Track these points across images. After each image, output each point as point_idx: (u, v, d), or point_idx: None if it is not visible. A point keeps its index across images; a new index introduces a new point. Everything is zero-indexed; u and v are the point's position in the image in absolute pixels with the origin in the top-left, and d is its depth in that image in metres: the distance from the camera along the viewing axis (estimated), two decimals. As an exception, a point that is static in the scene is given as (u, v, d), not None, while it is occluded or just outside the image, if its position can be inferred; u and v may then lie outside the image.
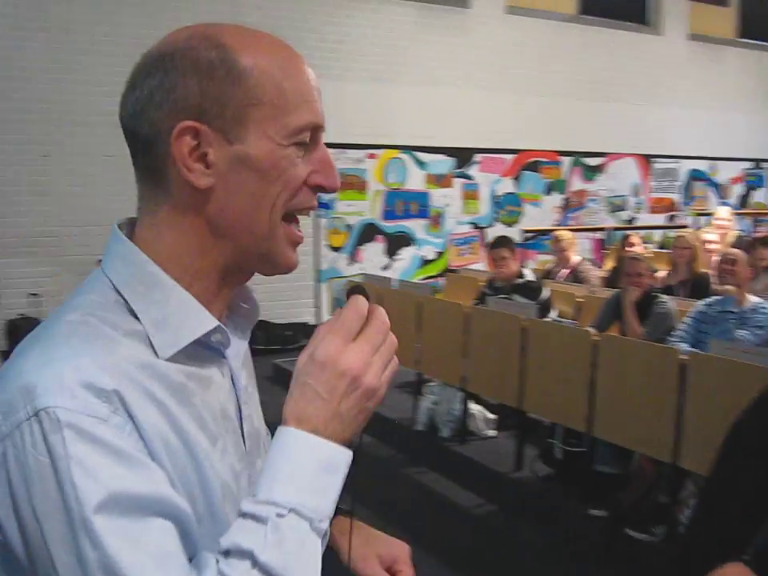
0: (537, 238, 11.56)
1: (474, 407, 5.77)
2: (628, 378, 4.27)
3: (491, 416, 5.82)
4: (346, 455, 0.89)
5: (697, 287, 5.88)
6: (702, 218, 12.55)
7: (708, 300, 4.88)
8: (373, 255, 10.67)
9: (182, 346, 0.91)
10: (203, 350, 0.96)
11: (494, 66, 11.26)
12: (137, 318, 0.91)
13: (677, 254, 6.13)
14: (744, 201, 14.62)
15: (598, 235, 12.16)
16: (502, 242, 5.93)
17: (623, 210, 13.00)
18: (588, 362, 4.52)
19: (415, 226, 11.04)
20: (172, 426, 0.87)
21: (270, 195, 0.93)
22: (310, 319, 9.98)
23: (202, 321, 0.94)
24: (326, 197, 10.15)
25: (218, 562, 0.82)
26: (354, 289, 0.93)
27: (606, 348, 4.47)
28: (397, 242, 10.90)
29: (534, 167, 11.95)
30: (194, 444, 0.90)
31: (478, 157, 11.42)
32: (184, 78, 0.90)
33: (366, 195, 10.62)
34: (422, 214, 11.07)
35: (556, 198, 12.24)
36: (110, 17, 8.64)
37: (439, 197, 11.17)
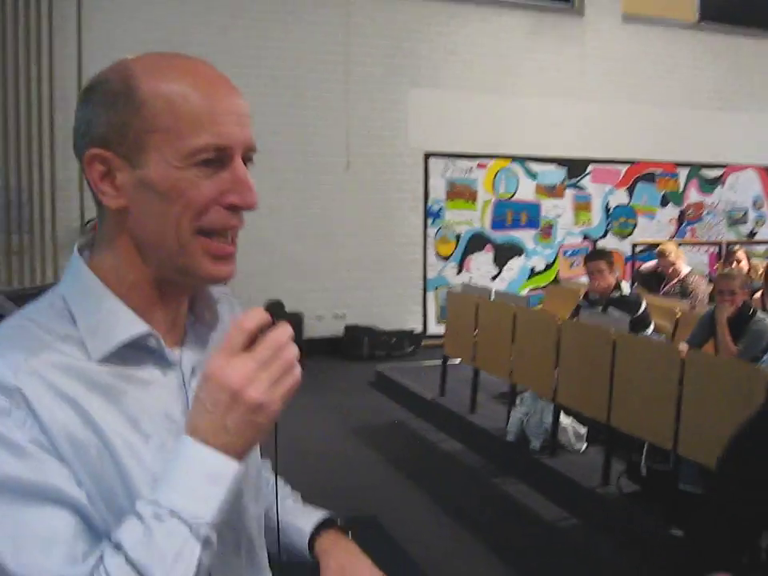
0: (648, 252, 11.33)
1: (565, 420, 5.74)
2: (715, 397, 4.19)
3: (582, 429, 5.78)
4: (233, 467, 0.94)
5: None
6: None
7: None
8: (481, 264, 10.72)
9: (111, 348, 1.00)
10: (143, 354, 1.05)
11: (609, 75, 11.12)
12: (76, 324, 1.01)
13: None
14: None
15: (715, 250, 11.82)
16: (599, 254, 5.90)
17: (743, 223, 12.57)
18: (676, 379, 4.45)
19: (525, 237, 11.02)
20: (84, 423, 0.96)
21: (172, 215, 1.00)
22: (417, 327, 10.11)
23: (129, 326, 1.02)
24: (435, 207, 10.28)
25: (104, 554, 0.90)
26: (268, 306, 0.98)
27: (694, 365, 4.40)
28: (506, 252, 10.90)
29: (649, 178, 11.73)
30: (112, 439, 0.98)
31: (590, 167, 11.30)
32: (96, 109, 1.00)
33: (476, 205, 10.67)
34: (532, 224, 11.04)
35: (672, 211, 11.96)
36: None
37: (550, 207, 11.12)
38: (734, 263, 6.41)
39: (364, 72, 9.75)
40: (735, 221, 12.54)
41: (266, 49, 9.21)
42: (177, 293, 1.09)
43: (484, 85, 10.44)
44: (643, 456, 4.88)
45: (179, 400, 1.07)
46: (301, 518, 1.38)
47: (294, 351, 0.96)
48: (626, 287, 5.96)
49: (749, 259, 7.04)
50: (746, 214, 12.62)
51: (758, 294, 5.97)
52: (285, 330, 0.96)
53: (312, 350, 9.25)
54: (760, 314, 4.98)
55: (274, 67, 9.26)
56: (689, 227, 12.10)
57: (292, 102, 9.40)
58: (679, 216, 12.04)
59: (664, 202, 11.88)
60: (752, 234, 12.53)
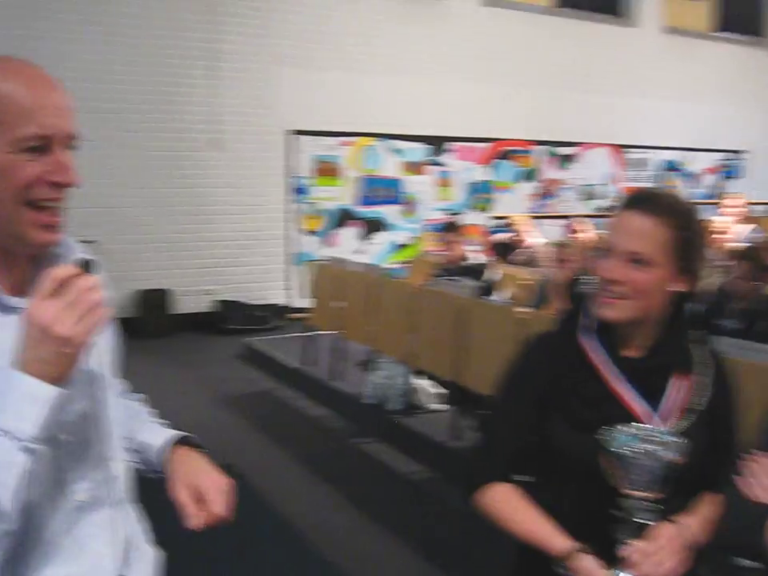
0: (509, 226, 11.88)
1: (421, 382, 6.11)
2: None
3: (437, 390, 6.16)
4: (51, 391, 1.16)
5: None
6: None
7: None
8: (347, 240, 11.00)
9: None
10: None
11: (470, 57, 11.55)
12: None
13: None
14: (716, 191, 14.92)
15: (570, 223, 12.49)
16: (449, 226, 6.28)
17: (596, 198, 13.32)
18: (517, 338, 4.84)
19: (390, 212, 11.36)
20: None
21: (3, 190, 1.25)
22: (283, 301, 10.32)
23: None
24: (302, 182, 10.49)
25: None
26: (78, 262, 1.19)
27: (534, 325, 4.80)
28: (371, 228, 11.22)
29: (508, 156, 12.27)
30: None
31: (452, 145, 11.72)
32: None
33: (341, 181, 10.93)
34: (397, 200, 11.40)
35: (529, 186, 12.57)
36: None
37: (414, 184, 11.49)
38: (576, 233, 6.89)
39: (231, 49, 9.83)
40: (588, 196, 13.27)
41: (128, 26, 9.17)
42: (16, 255, 1.32)
43: (350, 64, 10.69)
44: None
45: None
46: (156, 436, 1.62)
47: (99, 295, 1.18)
48: (476, 257, 6.36)
49: (593, 231, 7.56)
50: (598, 189, 13.37)
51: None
52: (90, 279, 1.19)
53: (181, 325, 9.37)
54: (586, 279, 5.43)
55: (137, 44, 9.24)
56: (545, 202, 12.74)
57: (157, 80, 9.41)
58: (536, 191, 12.66)
59: (522, 179, 12.48)
60: (604, 208, 13.28)
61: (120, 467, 1.47)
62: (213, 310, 9.82)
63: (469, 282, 5.83)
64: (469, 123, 11.65)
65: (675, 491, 1.63)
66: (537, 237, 7.89)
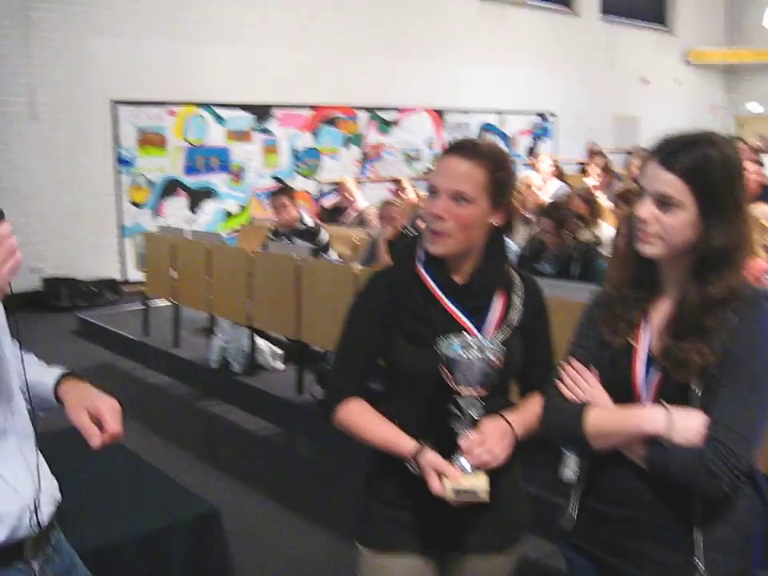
0: (334, 190, 12.17)
1: (262, 343, 6.31)
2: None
3: (278, 350, 6.38)
4: None
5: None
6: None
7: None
8: (176, 210, 10.96)
9: None
10: None
11: (291, 24, 11.65)
12: None
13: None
14: (531, 152, 15.79)
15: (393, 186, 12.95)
16: (281, 190, 6.47)
17: (418, 160, 13.82)
18: (352, 294, 5.11)
19: (217, 181, 11.39)
20: None
21: None
22: (116, 275, 10.19)
23: None
24: (127, 153, 10.33)
25: None
26: None
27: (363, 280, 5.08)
28: (199, 197, 11.22)
29: (331, 122, 12.52)
30: None
31: (276, 112, 11.84)
32: None
33: (167, 151, 10.85)
34: (224, 168, 11.43)
35: (354, 151, 12.89)
36: None
37: (240, 152, 11.55)
38: (401, 193, 7.25)
39: (44, 17, 9.50)
40: (411, 159, 13.75)
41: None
42: None
43: (172, 32, 10.55)
44: (329, 363, 5.55)
45: None
46: (46, 376, 1.79)
47: (13, 242, 1.31)
48: (309, 220, 6.58)
49: (416, 191, 7.96)
50: (420, 152, 13.88)
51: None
52: (5, 226, 1.32)
53: (9, 305, 9.07)
54: (409, 233, 5.78)
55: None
56: (370, 166, 13.10)
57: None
58: (361, 156, 13.00)
59: (346, 144, 12.77)
60: (426, 171, 13.79)
61: (21, 403, 1.62)
62: (44, 287, 9.56)
63: (304, 244, 6.06)
64: (292, 90, 11.79)
65: (499, 391, 1.94)
66: (363, 199, 8.19)
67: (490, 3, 14.56)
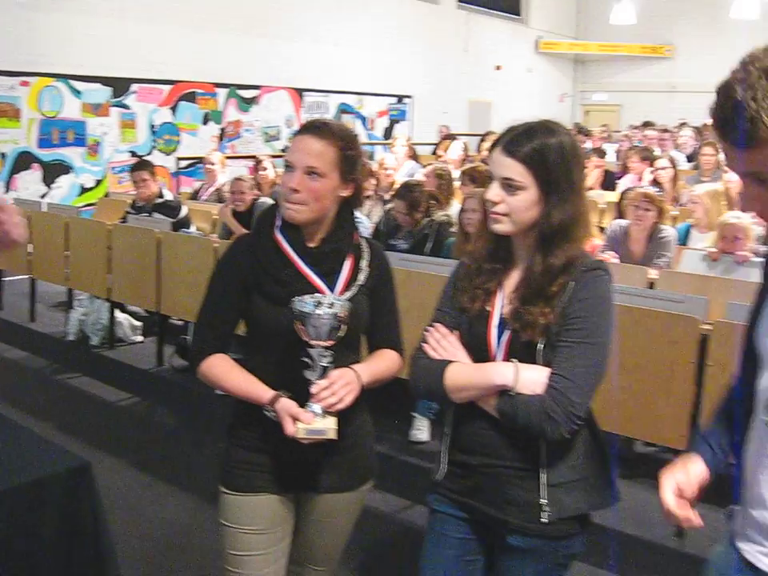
0: (194, 166, 12.15)
1: (121, 316, 6.36)
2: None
3: (137, 323, 6.45)
4: None
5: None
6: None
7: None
8: (29, 183, 10.70)
9: None
10: None
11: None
12: None
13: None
14: (388, 133, 16.16)
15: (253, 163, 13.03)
16: (141, 164, 6.51)
17: (277, 139, 13.93)
18: (210, 265, 5.25)
19: (72, 155, 11.18)
20: None
21: None
22: (-36, 249, 9.86)
23: None
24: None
25: None
26: None
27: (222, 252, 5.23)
28: (54, 170, 10.98)
29: (190, 98, 12.46)
30: None
31: (134, 87, 11.70)
32: None
33: (20, 123, 10.56)
34: (79, 142, 11.22)
35: (213, 128, 12.88)
36: None
37: (96, 125, 11.37)
38: (259, 171, 7.39)
39: None
40: (270, 137, 13.85)
41: None
42: None
43: (27, 1, 10.25)
44: (189, 335, 5.70)
45: None
46: None
47: None
48: (168, 195, 6.65)
49: (275, 167, 8.11)
50: (279, 131, 13.99)
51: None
52: None
53: None
54: (264, 200, 6.00)
55: None
56: (229, 143, 13.13)
57: None
58: (220, 133, 13.00)
59: (205, 120, 12.76)
60: (285, 150, 13.91)
61: None
62: None
63: (164, 218, 6.14)
64: (151, 65, 11.68)
65: (350, 347, 2.19)
66: (224, 175, 8.27)
67: (348, -14, 14.81)
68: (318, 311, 2.02)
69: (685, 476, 1.68)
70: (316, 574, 2.41)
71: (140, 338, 6.45)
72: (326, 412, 2.08)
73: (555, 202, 1.91)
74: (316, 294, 2.10)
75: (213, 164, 7.82)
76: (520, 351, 1.95)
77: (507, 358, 1.97)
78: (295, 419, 2.06)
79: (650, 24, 19.83)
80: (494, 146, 1.97)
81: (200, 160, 12.17)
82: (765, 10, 16.71)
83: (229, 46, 12.52)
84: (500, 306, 2.01)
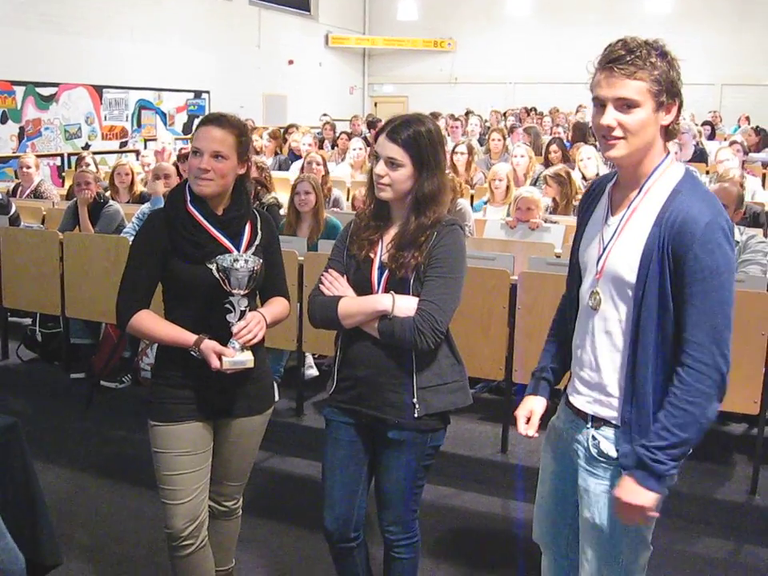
0: (-4, 165, 11.95)
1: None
2: (92, 264, 5.36)
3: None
4: None
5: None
6: (151, 143, 13.86)
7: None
8: None
9: None
10: None
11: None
12: None
13: (119, 178, 7.21)
14: (187, 128, 16.32)
15: (55, 162, 12.97)
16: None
17: (78, 137, 13.84)
18: (57, 257, 5.52)
19: None
20: None
21: None
22: None
23: None
24: None
25: None
26: None
27: (69, 243, 5.50)
28: None
29: (-15, 96, 12.19)
30: None
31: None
32: None
33: None
34: None
35: (12, 127, 12.64)
36: None
37: None
38: (85, 166, 7.59)
39: None
40: (71, 135, 13.73)
41: None
42: None
43: None
44: (37, 326, 5.90)
45: None
46: None
47: None
48: (-5, 192, 6.76)
49: (96, 163, 8.31)
50: (80, 128, 13.89)
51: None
52: None
53: None
54: (111, 202, 6.28)
55: None
56: (29, 142, 12.92)
57: None
58: (19, 132, 12.78)
59: (3, 120, 12.50)
60: (86, 147, 13.83)
61: None
62: None
63: (-1, 215, 6.27)
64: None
65: (255, 292, 2.72)
66: (38, 176, 8.33)
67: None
68: (237, 265, 2.54)
69: (527, 411, 2.43)
70: (231, 489, 2.93)
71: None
72: (244, 347, 2.60)
73: (425, 176, 2.54)
74: (233, 254, 2.61)
75: (29, 167, 7.88)
76: (395, 286, 2.56)
77: (386, 292, 2.57)
78: (219, 355, 2.57)
79: (432, 19, 21.08)
80: (378, 132, 2.58)
81: (1, 160, 12.10)
82: (535, 6, 18.25)
83: (25, 43, 12.32)
84: (380, 253, 2.61)
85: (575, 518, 2.30)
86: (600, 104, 2.07)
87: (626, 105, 2.02)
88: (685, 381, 2.00)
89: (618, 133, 2.05)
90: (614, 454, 2.14)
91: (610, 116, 2.05)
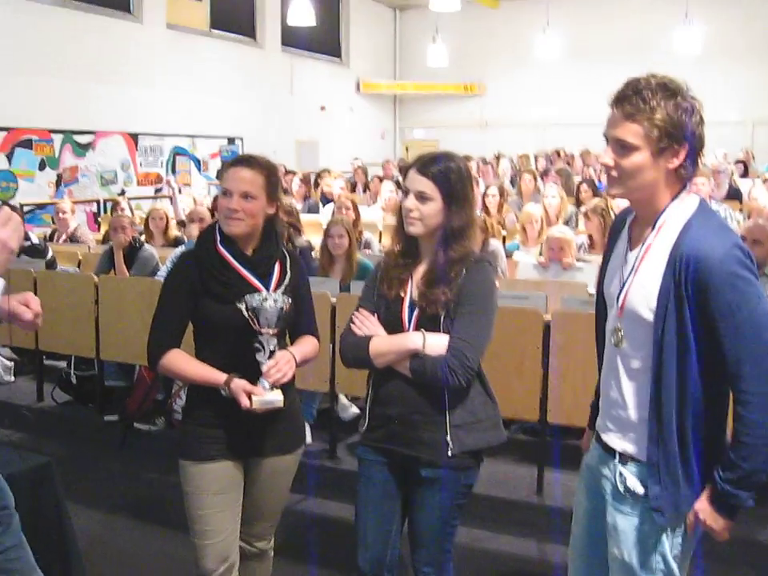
0: (33, 212, 12.13)
1: (-5, 357, 6.50)
2: (126, 307, 5.41)
3: (9, 363, 6.60)
4: (3, 281, 1.96)
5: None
6: (186, 188, 14.02)
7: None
8: None
9: None
10: None
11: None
12: None
13: (153, 223, 7.34)
14: (220, 174, 16.48)
15: (91, 208, 13.19)
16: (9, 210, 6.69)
17: (114, 183, 14.07)
18: (92, 300, 5.58)
19: None
20: None
21: None
22: None
23: None
24: None
25: None
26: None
27: (105, 287, 5.58)
28: None
29: (26, 144, 12.44)
30: None
31: (-32, 134, 11.59)
32: None
33: None
34: None
35: (50, 174, 12.89)
36: None
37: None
38: (120, 211, 7.74)
39: None
40: (107, 181, 13.97)
41: None
42: None
43: None
44: (72, 368, 5.95)
45: None
46: None
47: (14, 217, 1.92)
48: (35, 238, 6.87)
49: (131, 208, 8.44)
50: (115, 175, 14.13)
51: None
52: (5, 211, 1.94)
53: None
54: (146, 246, 6.36)
55: None
56: (66, 188, 13.15)
57: None
58: (57, 179, 13.02)
59: (42, 166, 12.75)
60: (122, 193, 14.02)
61: None
62: None
63: (36, 260, 6.36)
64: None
65: (284, 331, 2.72)
66: (74, 221, 8.48)
67: (178, 31, 15.14)
68: (266, 305, 2.55)
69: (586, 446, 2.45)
70: (262, 529, 2.90)
71: (11, 378, 6.58)
72: (273, 386, 2.60)
73: (455, 210, 2.54)
74: (262, 293, 2.62)
75: (65, 212, 8.03)
76: (426, 324, 2.55)
77: (416, 330, 2.56)
78: (249, 394, 2.56)
79: (461, 64, 21.24)
80: (408, 168, 2.58)
81: (40, 207, 12.32)
82: (564, 48, 18.32)
83: (62, 92, 12.58)
84: (410, 291, 2.61)
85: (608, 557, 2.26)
86: (606, 140, 2.08)
87: (621, 146, 2.02)
88: (743, 417, 1.96)
89: (613, 173, 2.06)
90: (640, 490, 2.11)
91: (608, 155, 2.05)
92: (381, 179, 11.62)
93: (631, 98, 1.99)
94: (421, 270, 2.63)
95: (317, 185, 11.89)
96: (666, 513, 2.04)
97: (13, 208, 2.10)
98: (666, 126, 1.97)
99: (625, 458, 2.15)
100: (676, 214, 2.05)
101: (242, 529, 2.84)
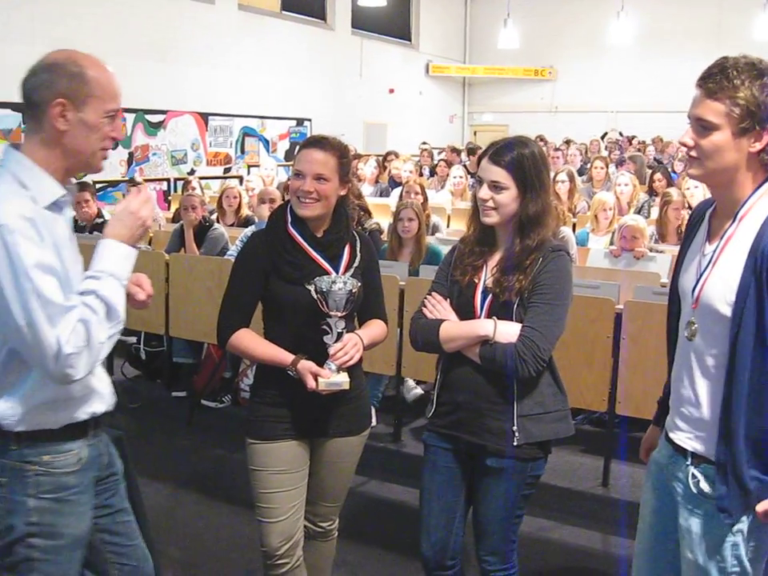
0: (105, 190, 12.36)
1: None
2: (196, 285, 5.47)
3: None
4: (133, 251, 2.01)
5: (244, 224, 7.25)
6: (254, 169, 14.14)
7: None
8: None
9: (51, 200, 1.96)
10: (55, 207, 1.99)
11: (56, 24, 11.66)
12: (27, 188, 1.92)
13: (227, 201, 7.40)
14: (289, 155, 16.60)
15: (162, 186, 13.39)
16: (83, 186, 6.83)
17: (184, 163, 14.25)
18: (163, 278, 5.65)
19: None
20: (54, 241, 1.92)
21: (93, 138, 2.00)
22: None
23: (58, 190, 1.99)
24: None
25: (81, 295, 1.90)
26: (132, 182, 2.00)
27: (175, 264, 5.64)
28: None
29: (98, 123, 12.64)
30: (63, 249, 1.96)
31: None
32: (60, 78, 1.94)
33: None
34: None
35: (122, 153, 13.10)
36: None
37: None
38: (191, 190, 7.81)
39: None
40: (177, 160, 14.15)
41: None
42: (70, 175, 2.06)
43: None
44: (141, 344, 6.06)
45: (70, 232, 2.07)
46: None
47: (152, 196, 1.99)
48: (107, 214, 6.98)
49: (201, 187, 8.52)
50: (185, 154, 14.31)
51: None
52: (146, 191, 2.04)
53: None
54: (216, 225, 6.41)
55: None
56: (138, 167, 13.36)
57: None
58: (128, 157, 13.23)
59: (114, 145, 12.80)
60: (191, 172, 14.18)
61: None
62: None
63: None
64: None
65: (349, 318, 2.70)
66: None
67: (249, 13, 15.24)
68: (335, 287, 2.54)
69: (649, 444, 2.43)
70: (327, 510, 2.91)
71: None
72: (340, 369, 2.59)
73: (530, 198, 2.49)
74: (332, 276, 2.61)
75: (141, 187, 8.13)
76: (498, 311, 2.51)
77: (488, 317, 2.52)
78: (316, 376, 2.56)
79: (533, 48, 20.98)
80: (481, 156, 2.54)
81: (112, 184, 12.54)
82: (638, 34, 17.97)
83: (136, 72, 12.71)
84: (484, 278, 2.57)
85: (676, 557, 2.19)
86: (689, 121, 2.01)
87: (702, 125, 1.95)
88: None
89: (693, 153, 1.99)
90: (713, 492, 2.04)
91: (688, 134, 1.99)
92: (447, 163, 11.54)
93: (715, 77, 1.91)
94: (496, 257, 2.59)
95: (384, 168, 11.87)
96: (734, 514, 1.98)
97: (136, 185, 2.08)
98: (748, 106, 1.89)
99: (697, 459, 2.09)
100: (759, 206, 1.97)
101: (307, 509, 2.84)
